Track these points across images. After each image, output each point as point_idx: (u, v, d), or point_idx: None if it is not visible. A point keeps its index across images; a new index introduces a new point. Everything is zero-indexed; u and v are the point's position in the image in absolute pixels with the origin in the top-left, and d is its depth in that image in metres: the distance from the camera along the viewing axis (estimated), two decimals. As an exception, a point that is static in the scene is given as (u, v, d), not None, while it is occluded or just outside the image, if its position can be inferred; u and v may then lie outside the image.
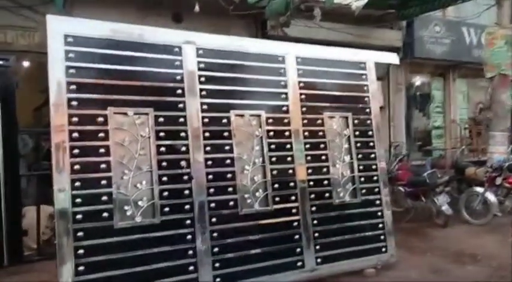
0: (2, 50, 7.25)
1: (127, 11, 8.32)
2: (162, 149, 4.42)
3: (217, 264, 4.53)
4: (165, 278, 4.28)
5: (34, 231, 6.06)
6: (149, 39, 4.53)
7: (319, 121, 5.42)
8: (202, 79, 4.72)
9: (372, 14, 10.63)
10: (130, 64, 4.40)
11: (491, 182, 8.31)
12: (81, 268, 3.92)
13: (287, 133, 5.17)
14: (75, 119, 4.06)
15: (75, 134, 4.04)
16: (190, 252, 4.43)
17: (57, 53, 4.07)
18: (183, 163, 4.50)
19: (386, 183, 5.85)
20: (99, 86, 4.22)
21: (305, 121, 5.30)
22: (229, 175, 4.75)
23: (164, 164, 4.41)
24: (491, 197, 8.00)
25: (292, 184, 5.11)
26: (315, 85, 5.45)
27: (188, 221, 4.46)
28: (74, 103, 4.08)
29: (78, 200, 3.97)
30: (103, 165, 4.12)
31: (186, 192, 4.49)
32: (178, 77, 4.61)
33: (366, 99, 5.81)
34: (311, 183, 5.23)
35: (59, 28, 4.12)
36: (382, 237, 5.65)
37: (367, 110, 5.80)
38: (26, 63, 8.90)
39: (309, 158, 5.25)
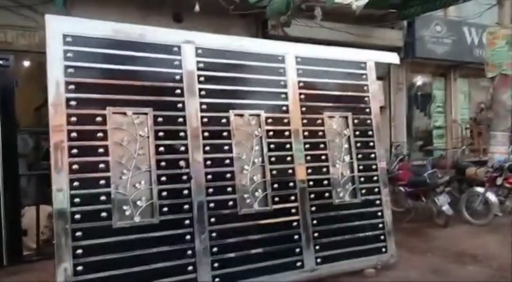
0: (2, 50, 7.24)
1: (127, 10, 8.31)
2: (161, 148, 4.41)
3: (216, 264, 4.52)
4: (163, 278, 4.27)
5: (33, 231, 6.07)
6: (148, 38, 4.52)
7: (319, 121, 5.41)
8: (202, 79, 4.71)
9: (372, 14, 10.61)
10: (129, 64, 4.39)
11: (492, 182, 8.28)
12: (79, 268, 3.90)
13: (287, 133, 5.16)
14: (73, 118, 4.05)
15: (74, 134, 4.03)
16: (189, 252, 4.41)
17: (55, 53, 4.06)
18: (182, 163, 4.49)
19: (386, 183, 5.83)
20: (98, 86, 4.21)
21: (305, 121, 5.29)
22: (228, 175, 4.73)
23: (163, 163, 4.40)
24: (492, 197, 7.97)
25: (291, 184, 5.10)
26: (314, 85, 5.43)
27: (187, 221, 4.44)
28: (73, 103, 4.07)
29: (77, 200, 3.96)
30: (102, 165, 4.11)
31: (185, 192, 4.48)
32: (178, 77, 4.60)
33: (366, 99, 5.79)
34: (311, 183, 5.22)
35: (57, 28, 4.11)
36: (382, 237, 5.63)
37: (367, 110, 5.79)
38: (26, 63, 8.91)
39: (308, 157, 5.24)
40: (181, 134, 4.53)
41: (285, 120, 5.17)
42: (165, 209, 4.36)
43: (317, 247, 5.13)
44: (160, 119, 4.43)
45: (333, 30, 10.04)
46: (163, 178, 4.39)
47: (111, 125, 4.21)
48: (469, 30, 12.66)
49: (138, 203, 4.27)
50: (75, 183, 3.98)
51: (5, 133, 5.64)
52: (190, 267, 4.40)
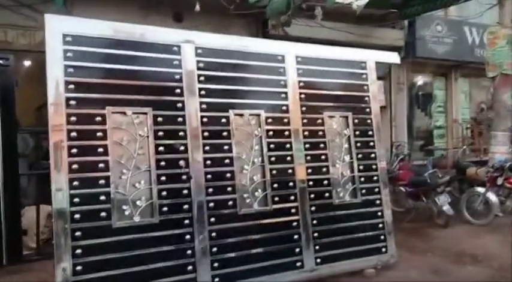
0: (2, 49, 7.25)
1: (128, 10, 8.32)
2: (161, 148, 4.40)
3: (215, 264, 4.52)
4: (163, 278, 4.26)
5: (33, 231, 6.08)
6: (148, 38, 4.52)
7: (319, 121, 5.40)
8: (202, 78, 4.71)
9: (373, 13, 10.59)
10: (129, 63, 4.39)
11: (493, 182, 8.27)
12: (78, 268, 3.91)
13: (287, 133, 5.16)
14: (73, 118, 4.05)
15: (73, 134, 4.03)
16: (189, 252, 4.41)
17: (55, 52, 4.06)
18: (181, 163, 4.48)
19: (386, 183, 5.83)
20: (98, 86, 4.21)
21: (305, 121, 5.28)
22: (228, 175, 4.73)
23: (163, 163, 4.40)
24: (492, 197, 7.96)
25: (291, 184, 5.09)
26: (314, 84, 5.42)
27: (187, 221, 4.44)
28: (72, 102, 4.07)
29: (76, 200, 3.96)
30: (101, 165, 4.11)
31: (185, 192, 4.48)
32: (177, 76, 4.60)
33: (366, 98, 5.78)
34: (311, 183, 5.21)
35: (57, 27, 4.12)
36: (382, 237, 5.62)
37: (368, 110, 5.77)
38: (26, 63, 8.91)
39: (308, 157, 5.23)
40: (181, 133, 4.52)
41: (285, 120, 5.17)
42: (165, 208, 4.36)
43: (317, 247, 5.13)
44: (160, 119, 4.43)
45: (334, 30, 10.02)
46: (163, 178, 4.39)
47: (110, 125, 4.20)
48: (469, 30, 12.64)
49: (138, 202, 4.27)
50: (75, 183, 3.98)
51: (5, 133, 5.64)
52: (189, 267, 4.40)
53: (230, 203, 4.70)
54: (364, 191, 5.58)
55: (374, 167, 5.71)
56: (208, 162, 4.63)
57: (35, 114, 9.33)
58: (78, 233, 3.94)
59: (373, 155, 5.72)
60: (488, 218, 7.96)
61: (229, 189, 4.71)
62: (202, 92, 4.69)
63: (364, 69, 5.82)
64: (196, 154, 4.56)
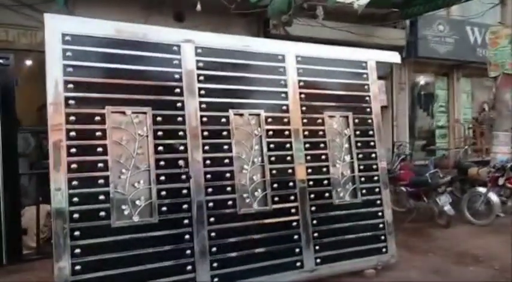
0: (3, 49, 7.26)
1: (130, 10, 8.32)
2: (160, 148, 4.40)
3: (215, 264, 4.51)
4: (162, 278, 4.26)
5: (33, 230, 6.08)
6: (148, 37, 4.52)
7: (319, 120, 5.39)
8: (201, 78, 4.70)
9: (375, 13, 10.57)
10: (128, 63, 4.38)
11: (494, 182, 8.24)
12: (77, 267, 3.90)
13: (287, 132, 5.14)
14: (72, 117, 4.04)
15: (73, 133, 4.03)
16: (188, 251, 4.40)
17: (54, 52, 4.06)
18: (181, 162, 4.47)
19: (387, 183, 5.81)
20: (97, 85, 4.20)
21: (305, 120, 5.27)
22: (227, 174, 4.72)
23: (162, 163, 4.39)
24: (494, 197, 7.94)
25: (291, 184, 5.08)
26: (315, 84, 5.41)
27: (186, 221, 4.44)
28: (72, 102, 4.07)
29: (75, 199, 3.96)
30: (100, 164, 4.11)
31: (184, 191, 4.47)
32: (177, 76, 4.59)
33: (367, 98, 5.76)
34: (311, 183, 5.20)
35: (56, 27, 4.12)
36: (382, 237, 5.61)
37: (368, 110, 5.76)
38: (27, 62, 8.91)
39: (308, 157, 5.22)
40: (181, 133, 4.52)
41: (285, 120, 5.16)
42: (164, 208, 4.36)
43: (317, 247, 5.11)
44: (159, 119, 4.42)
45: (335, 30, 10.01)
46: (162, 177, 4.38)
47: (110, 124, 4.20)
48: (471, 29, 12.61)
49: (137, 202, 4.26)
50: (74, 183, 3.98)
51: (5, 132, 5.64)
52: (189, 267, 4.39)
53: (230, 202, 4.69)
54: (364, 191, 5.56)
55: (374, 167, 5.69)
56: (208, 162, 4.62)
57: (37, 114, 9.34)
58: (77, 233, 3.94)
59: (373, 155, 5.71)
60: (489, 218, 7.93)
61: (228, 189, 4.70)
62: (202, 92, 4.68)
63: (365, 68, 5.80)
64: (195, 154, 4.55)
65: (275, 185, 4.98)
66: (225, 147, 4.75)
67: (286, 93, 5.19)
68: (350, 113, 5.61)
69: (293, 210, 5.04)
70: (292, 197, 5.06)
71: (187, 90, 4.60)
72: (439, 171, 8.49)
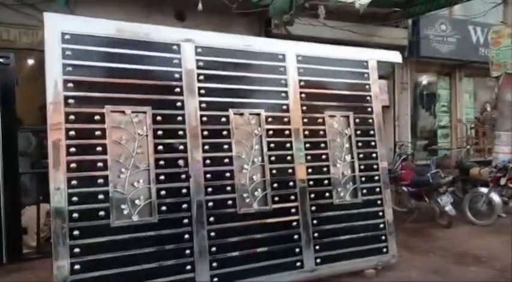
0: (4, 48, 7.26)
1: (131, 9, 8.33)
2: (160, 147, 4.39)
3: (214, 264, 4.49)
4: (161, 278, 4.25)
5: (33, 229, 6.08)
6: (147, 37, 4.50)
7: (320, 120, 5.37)
8: (201, 77, 4.69)
9: (377, 12, 10.55)
10: (128, 62, 4.37)
11: (496, 182, 8.21)
12: (76, 267, 3.89)
13: (287, 132, 5.13)
14: (72, 117, 4.03)
15: (72, 132, 4.02)
16: (188, 251, 4.39)
17: (54, 51, 4.06)
18: (181, 162, 4.46)
19: (387, 183, 5.79)
20: (96, 84, 4.19)
21: (305, 120, 5.25)
22: (227, 174, 4.71)
23: (162, 162, 4.38)
24: (495, 197, 7.91)
25: (291, 183, 5.06)
26: (315, 84, 5.39)
27: (186, 220, 4.42)
28: (71, 101, 4.06)
29: (75, 199, 3.95)
30: (100, 164, 4.10)
31: (184, 191, 4.46)
32: (177, 75, 4.58)
33: (368, 98, 5.75)
34: (311, 182, 5.18)
35: (56, 26, 4.11)
36: (383, 237, 5.59)
37: (369, 109, 5.74)
38: (28, 61, 8.93)
39: (309, 157, 5.20)
40: (180, 132, 4.50)
41: (285, 119, 5.14)
42: (164, 208, 4.34)
43: (317, 247, 5.10)
44: (159, 118, 4.41)
45: (337, 29, 9.99)
46: (162, 177, 4.37)
47: (109, 124, 4.19)
48: (474, 29, 12.59)
49: (137, 201, 4.25)
50: (73, 182, 3.97)
51: (5, 131, 5.64)
52: (188, 267, 4.38)
53: (229, 202, 4.68)
54: (365, 191, 5.54)
55: (375, 166, 5.68)
56: (208, 161, 4.60)
57: (39, 113, 9.35)
58: (76, 232, 3.93)
59: (374, 155, 5.69)
60: (491, 219, 7.91)
61: (228, 188, 4.69)
62: (202, 91, 4.67)
63: (366, 68, 5.78)
64: (195, 153, 4.54)
65: (275, 185, 4.97)
66: (225, 146, 4.74)
67: (286, 92, 5.18)
68: (351, 113, 5.59)
69: (293, 210, 5.03)
70: (292, 197, 5.05)
71: (187, 89, 4.59)
72: (440, 171, 8.47)
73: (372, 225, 5.53)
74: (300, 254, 5.00)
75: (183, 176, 4.46)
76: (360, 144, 5.60)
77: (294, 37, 7.80)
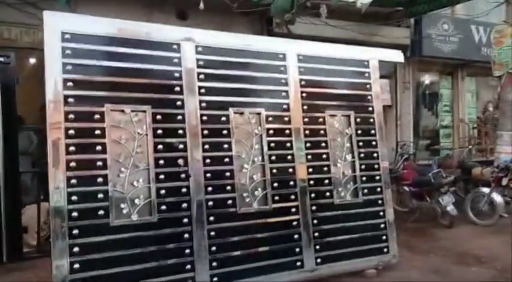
0: (6, 47, 7.26)
1: (132, 9, 8.32)
2: (160, 146, 4.38)
3: (214, 264, 4.48)
4: (161, 277, 4.24)
5: (34, 228, 6.08)
6: (148, 36, 4.49)
7: (321, 119, 5.35)
8: (201, 76, 4.67)
9: (379, 12, 10.54)
10: (128, 61, 4.35)
11: (498, 182, 8.17)
12: (76, 266, 3.88)
13: (287, 131, 5.11)
14: (71, 116, 4.03)
15: (72, 131, 4.01)
16: (187, 250, 4.38)
17: (54, 50, 4.06)
18: (180, 161, 4.45)
19: (388, 182, 5.76)
20: (96, 83, 4.18)
21: (306, 119, 5.23)
22: (227, 174, 4.69)
23: (161, 162, 4.37)
24: (497, 197, 7.89)
25: (292, 183, 5.05)
26: (316, 83, 5.37)
27: (185, 220, 4.41)
28: (71, 100, 4.05)
29: (74, 198, 3.94)
30: (99, 163, 4.08)
31: (184, 190, 4.44)
32: (177, 74, 4.56)
33: (369, 97, 5.73)
34: (311, 182, 5.16)
35: (56, 25, 4.12)
36: (383, 237, 5.57)
37: (370, 109, 5.72)
38: (29, 60, 8.93)
39: (309, 156, 5.19)
40: (180, 132, 4.49)
41: (286, 119, 5.12)
42: (163, 207, 4.33)
43: (317, 247, 5.08)
44: (159, 117, 4.40)
45: (338, 28, 9.96)
46: (162, 176, 4.35)
47: (109, 123, 4.18)
48: (476, 28, 12.54)
49: (136, 201, 4.24)
50: (73, 181, 3.95)
51: (6, 130, 5.64)
52: (188, 266, 4.37)
53: (229, 202, 4.66)
54: (365, 190, 5.53)
55: (376, 166, 5.66)
56: (208, 160, 4.59)
57: (40, 112, 9.36)
58: (75, 231, 3.92)
59: (375, 155, 5.67)
60: (492, 219, 7.89)
61: (228, 188, 4.68)
62: (202, 90, 4.65)
63: (367, 67, 5.76)
64: (195, 152, 4.53)
65: (275, 184, 4.95)
66: (225, 146, 4.73)
67: (287, 91, 5.17)
68: (352, 112, 5.57)
69: (293, 210, 5.01)
70: (292, 197, 5.03)
71: (187, 88, 4.58)
72: (442, 171, 8.44)
73: (372, 225, 5.51)
74: (300, 253, 4.98)
75: (183, 176, 4.45)
76: (360, 143, 5.59)
77: (296, 36, 7.81)
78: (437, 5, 10.50)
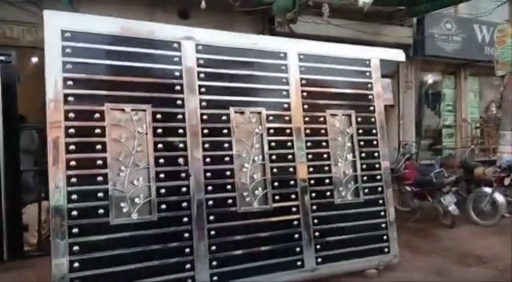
0: (8, 46, 7.26)
1: (134, 7, 8.30)
2: (160, 145, 4.38)
3: (214, 263, 4.49)
4: (161, 276, 4.25)
5: (34, 227, 6.08)
6: (148, 34, 4.50)
7: (321, 119, 5.35)
8: (202, 75, 4.67)
9: (381, 11, 10.48)
10: (128, 60, 4.36)
11: (500, 182, 8.16)
12: (75, 265, 3.89)
13: (288, 131, 5.11)
14: (71, 114, 4.04)
15: (72, 130, 4.02)
16: (187, 250, 4.39)
17: (54, 49, 4.07)
18: (181, 160, 4.45)
19: (389, 182, 5.75)
20: (96, 82, 4.19)
21: (307, 119, 5.23)
22: (228, 173, 4.70)
23: (161, 160, 4.37)
24: (499, 197, 7.87)
25: (292, 182, 5.04)
26: (317, 82, 5.36)
27: (185, 219, 4.42)
28: (71, 99, 4.06)
29: (74, 197, 3.95)
30: (99, 162, 4.09)
31: (184, 189, 4.45)
32: (177, 73, 4.56)
33: (370, 96, 5.72)
34: (312, 181, 5.16)
35: (56, 23, 4.13)
36: (384, 237, 5.56)
37: (371, 108, 5.71)
38: (32, 59, 8.94)
39: (310, 156, 5.18)
40: (180, 131, 4.49)
41: (287, 118, 5.12)
42: (163, 206, 4.34)
43: (318, 246, 5.08)
44: (159, 116, 4.40)
45: (341, 27, 9.91)
46: (162, 175, 4.36)
47: (109, 122, 4.19)
48: (479, 27, 12.47)
49: (136, 200, 4.25)
50: (73, 180, 3.97)
51: (7, 129, 5.63)
52: (188, 265, 4.38)
53: (230, 201, 4.67)
54: (366, 190, 5.52)
55: (377, 166, 5.65)
56: (208, 160, 4.59)
57: (42, 111, 9.37)
58: (75, 230, 3.93)
59: (376, 154, 5.66)
60: (494, 219, 7.87)
61: (228, 187, 4.68)
62: (203, 89, 4.66)
63: (368, 66, 5.75)
64: (195, 152, 4.53)
65: (276, 184, 4.95)
66: (225, 145, 4.72)
67: (287, 91, 5.16)
68: (352, 112, 5.56)
69: (294, 209, 5.01)
70: (293, 196, 5.03)
71: (187, 87, 4.58)
72: (444, 171, 8.43)
73: (373, 224, 5.50)
74: (301, 253, 4.98)
75: (183, 175, 4.45)
76: (361, 143, 5.58)
77: (298, 35, 7.78)
78: (439, 4, 10.43)
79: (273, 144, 4.99)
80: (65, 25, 4.13)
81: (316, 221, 5.11)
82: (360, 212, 5.43)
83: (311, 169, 5.17)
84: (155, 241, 4.27)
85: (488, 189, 8.13)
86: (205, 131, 4.62)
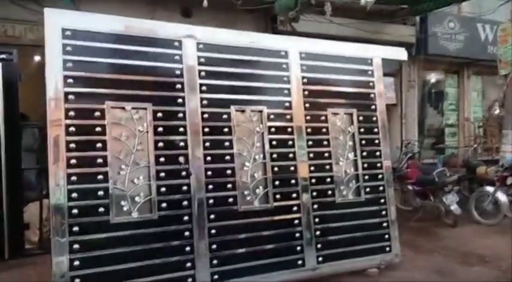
0: (9, 44, 7.26)
1: (135, 6, 8.30)
2: (160, 144, 4.37)
3: (215, 261, 4.48)
4: (161, 274, 4.24)
5: (36, 225, 6.09)
6: (149, 32, 4.49)
7: (323, 117, 5.32)
8: (203, 74, 4.66)
9: (384, 9, 10.45)
10: (129, 58, 4.35)
11: (502, 181, 8.13)
12: (76, 263, 3.90)
13: (289, 129, 5.09)
14: (72, 113, 4.04)
15: (72, 129, 4.02)
16: (188, 248, 4.38)
17: (54, 47, 4.07)
18: (181, 159, 4.44)
19: (391, 181, 5.72)
20: (97, 80, 4.18)
21: (308, 117, 5.21)
22: (228, 171, 4.69)
23: (162, 159, 4.36)
24: (502, 196, 7.84)
25: (293, 181, 5.03)
26: (318, 81, 5.35)
27: (186, 217, 4.41)
28: (71, 97, 4.05)
29: (74, 195, 3.96)
30: (100, 160, 4.09)
31: (185, 188, 4.44)
32: (178, 72, 4.56)
33: (372, 95, 5.69)
34: (313, 180, 5.14)
35: (57, 21, 4.13)
36: (386, 236, 5.54)
37: (373, 107, 5.69)
38: (34, 57, 8.94)
39: (311, 155, 5.17)
40: (181, 129, 4.48)
41: (288, 117, 5.10)
42: (164, 205, 4.33)
43: (319, 245, 5.06)
44: (159, 114, 4.40)
45: (343, 26, 9.88)
46: (162, 174, 4.36)
47: (109, 120, 4.18)
48: (482, 26, 12.42)
49: (136, 198, 4.24)
50: (73, 178, 3.97)
51: (8, 127, 5.64)
52: (188, 264, 4.37)
53: (230, 200, 4.66)
54: (368, 189, 5.50)
55: (379, 165, 5.62)
56: (209, 158, 4.58)
57: (44, 109, 9.37)
58: (75, 228, 3.93)
59: (378, 153, 5.64)
60: (497, 218, 7.84)
61: (229, 186, 4.67)
62: (204, 88, 4.65)
63: (370, 65, 5.72)
64: (196, 150, 4.52)
65: (277, 183, 4.93)
66: (226, 144, 4.71)
67: (289, 89, 5.14)
68: (354, 110, 5.54)
69: (295, 208, 5.00)
70: (294, 195, 5.01)
71: (188, 86, 4.57)
72: (446, 170, 8.41)
73: (375, 223, 5.48)
74: (302, 252, 4.97)
75: (184, 173, 4.45)
76: (363, 142, 5.56)
77: (300, 34, 7.75)
78: (442, 3, 10.38)
79: (274, 142, 4.97)
80: (65, 23, 4.13)
81: (317, 220, 5.10)
82: (361, 211, 5.42)
83: (312, 168, 5.16)
84: (156, 240, 4.26)
85: (490, 189, 8.10)
86: (206, 129, 4.61)
